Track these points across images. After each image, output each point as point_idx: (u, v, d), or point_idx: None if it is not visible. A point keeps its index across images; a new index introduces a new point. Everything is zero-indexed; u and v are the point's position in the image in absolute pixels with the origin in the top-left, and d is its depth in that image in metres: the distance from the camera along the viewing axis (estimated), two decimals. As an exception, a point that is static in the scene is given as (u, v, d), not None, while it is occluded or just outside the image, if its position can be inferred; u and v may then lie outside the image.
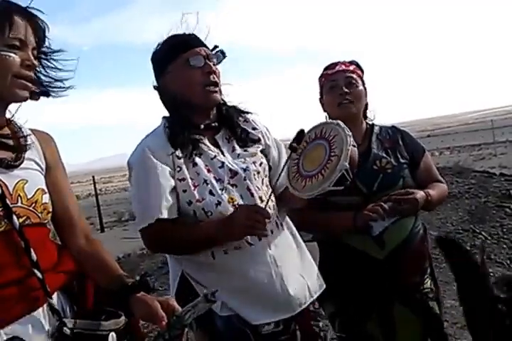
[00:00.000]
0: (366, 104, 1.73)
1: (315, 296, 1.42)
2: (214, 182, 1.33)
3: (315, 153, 1.33)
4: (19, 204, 0.97)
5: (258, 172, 1.40)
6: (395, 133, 1.73)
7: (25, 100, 1.02)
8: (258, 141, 1.46)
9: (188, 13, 1.40)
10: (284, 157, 1.49)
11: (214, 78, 1.37)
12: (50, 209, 1.05)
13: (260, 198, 1.36)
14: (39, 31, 1.03)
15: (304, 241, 1.52)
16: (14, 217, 0.94)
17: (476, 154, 15.40)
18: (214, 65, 1.39)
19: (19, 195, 0.98)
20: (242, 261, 1.31)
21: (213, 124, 1.42)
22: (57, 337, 0.95)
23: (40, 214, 1.01)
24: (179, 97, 1.36)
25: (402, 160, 1.66)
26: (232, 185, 1.34)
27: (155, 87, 1.43)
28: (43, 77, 1.08)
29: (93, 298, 1.08)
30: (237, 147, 1.42)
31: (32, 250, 0.95)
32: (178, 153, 1.32)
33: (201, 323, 1.30)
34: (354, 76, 1.67)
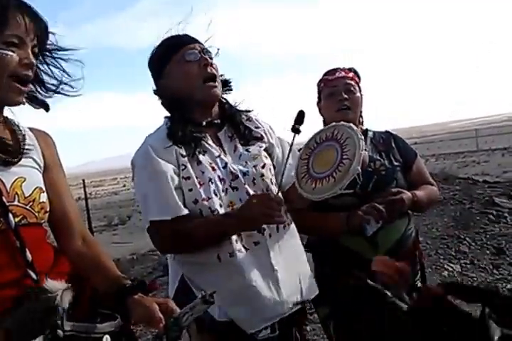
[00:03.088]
0: (361, 111, 1.77)
1: (304, 299, 1.40)
2: (218, 181, 1.31)
3: (326, 154, 1.33)
4: (16, 202, 0.94)
5: (262, 175, 1.37)
6: (388, 138, 1.77)
7: (18, 105, 0.99)
8: (261, 139, 1.44)
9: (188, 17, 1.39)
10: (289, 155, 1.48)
11: (211, 70, 1.35)
12: (48, 209, 1.03)
13: None
14: (40, 27, 0.99)
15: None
16: (10, 216, 0.92)
17: (460, 161, 15.64)
18: (210, 58, 1.38)
19: (16, 193, 0.95)
20: (245, 262, 1.30)
21: (215, 121, 1.40)
22: (51, 339, 0.92)
23: (37, 214, 0.98)
24: (179, 94, 1.34)
25: (395, 163, 1.70)
26: (233, 188, 1.33)
27: (155, 92, 1.42)
28: (46, 77, 1.05)
29: (89, 301, 1.05)
30: (239, 146, 1.40)
31: (27, 250, 0.93)
32: (182, 151, 1.31)
33: (204, 327, 1.28)
34: (353, 83, 1.71)
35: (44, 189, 1.02)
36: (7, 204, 0.92)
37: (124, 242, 7.68)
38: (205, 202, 1.29)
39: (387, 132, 1.81)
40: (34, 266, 0.93)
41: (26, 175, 0.98)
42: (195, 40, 1.40)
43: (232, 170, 1.35)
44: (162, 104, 1.42)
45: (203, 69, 1.34)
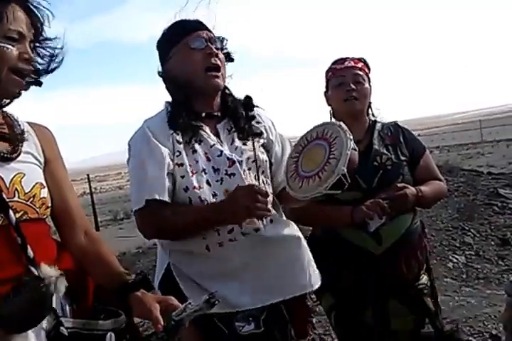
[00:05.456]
0: (370, 102, 1.74)
1: (299, 293, 1.37)
2: (212, 172, 1.30)
3: (314, 153, 1.31)
4: (16, 198, 0.93)
5: (249, 169, 1.35)
6: (396, 131, 1.73)
7: (17, 97, 0.99)
8: (260, 134, 1.42)
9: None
10: (288, 153, 1.46)
11: (216, 61, 1.33)
12: (49, 204, 1.01)
13: None
14: (37, 23, 1.00)
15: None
16: (11, 212, 0.91)
17: (464, 153, 15.59)
18: (217, 48, 1.35)
19: (16, 189, 0.94)
20: (236, 252, 1.29)
21: (215, 113, 1.38)
22: (54, 336, 0.92)
23: (38, 209, 0.97)
24: (181, 81, 1.33)
25: (402, 158, 1.67)
26: (230, 175, 1.31)
27: (159, 74, 1.40)
28: (38, 66, 1.04)
29: (93, 297, 1.05)
30: (236, 140, 1.38)
31: (29, 246, 0.92)
32: (179, 137, 1.30)
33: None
34: (361, 73, 1.67)
35: (45, 184, 1.01)
36: (7, 200, 0.91)
37: (129, 236, 7.72)
38: (196, 191, 1.28)
39: (395, 124, 1.77)
40: (36, 262, 0.92)
41: (26, 171, 0.97)
42: (204, 27, 1.37)
43: (229, 156, 1.33)
44: (166, 88, 1.40)
45: (207, 58, 1.32)
